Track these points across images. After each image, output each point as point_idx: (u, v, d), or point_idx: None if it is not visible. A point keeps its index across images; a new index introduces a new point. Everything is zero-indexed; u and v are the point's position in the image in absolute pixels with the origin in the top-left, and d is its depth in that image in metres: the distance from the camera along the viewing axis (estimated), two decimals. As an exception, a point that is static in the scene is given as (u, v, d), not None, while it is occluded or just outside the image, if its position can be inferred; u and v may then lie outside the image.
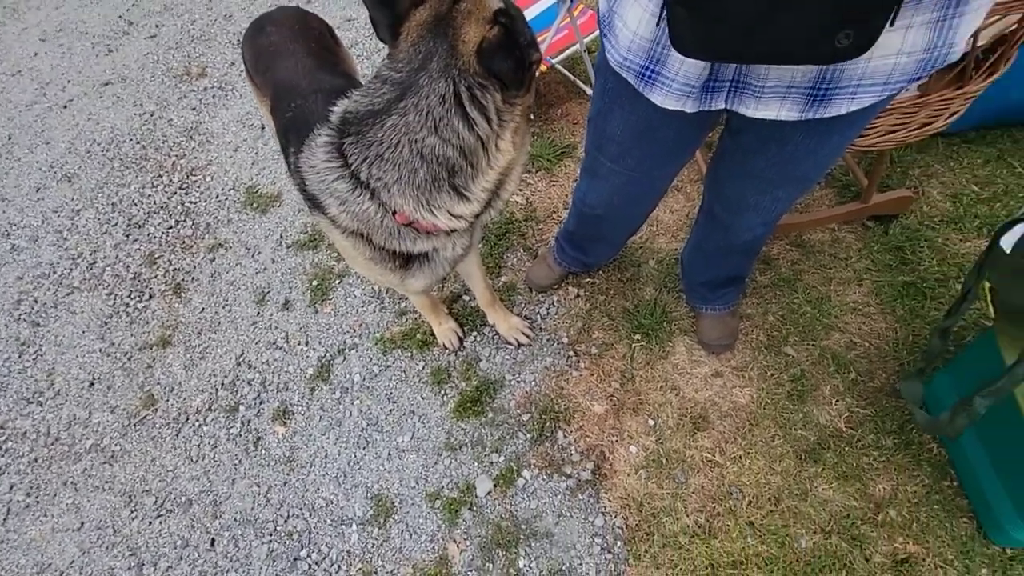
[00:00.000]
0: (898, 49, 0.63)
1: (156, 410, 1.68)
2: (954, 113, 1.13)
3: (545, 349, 1.59)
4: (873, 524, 1.20)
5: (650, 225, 1.73)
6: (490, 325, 1.64)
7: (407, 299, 1.75)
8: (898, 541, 1.18)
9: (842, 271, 1.55)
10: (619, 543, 1.28)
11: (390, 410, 1.56)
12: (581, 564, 1.27)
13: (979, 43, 0.97)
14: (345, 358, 1.68)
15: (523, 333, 1.59)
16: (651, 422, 1.42)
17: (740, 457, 1.33)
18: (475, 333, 1.65)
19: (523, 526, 1.33)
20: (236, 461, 1.55)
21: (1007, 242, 0.74)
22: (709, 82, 0.74)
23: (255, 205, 2.10)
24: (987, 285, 0.86)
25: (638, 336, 1.55)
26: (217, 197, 2.16)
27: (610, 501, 1.34)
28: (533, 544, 1.31)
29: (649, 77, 0.78)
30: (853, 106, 0.70)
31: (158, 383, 1.74)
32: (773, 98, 0.72)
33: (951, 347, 1.34)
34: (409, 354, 1.64)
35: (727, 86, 0.74)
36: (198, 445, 1.60)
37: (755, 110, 0.75)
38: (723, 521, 1.27)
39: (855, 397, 1.36)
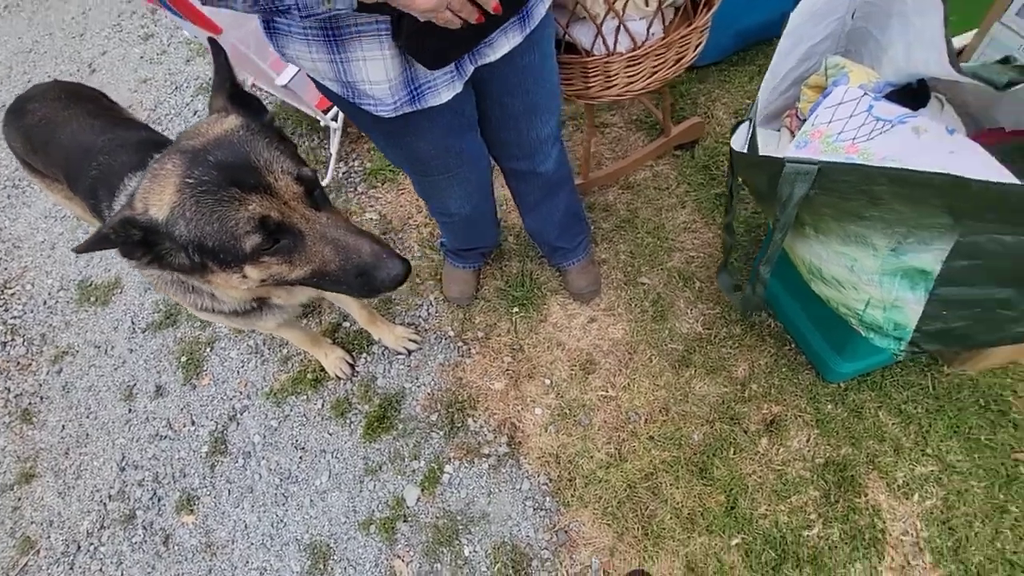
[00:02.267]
0: None
1: (38, 552, 1.50)
2: (698, 45, 1.33)
3: (435, 348, 1.63)
4: (743, 401, 1.40)
5: (499, 205, 1.83)
6: (377, 342, 1.65)
7: (288, 344, 1.71)
8: (764, 408, 1.38)
9: (668, 199, 1.75)
10: (548, 498, 1.37)
11: (300, 457, 1.52)
12: (520, 529, 1.34)
13: (694, -16, 1.16)
14: (239, 423, 1.61)
15: (410, 340, 1.62)
16: (547, 381, 1.52)
17: (628, 385, 1.48)
18: (364, 354, 1.65)
19: (459, 517, 1.38)
20: (149, 569, 1.43)
21: (736, 143, 0.91)
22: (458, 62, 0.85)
23: (93, 299, 1.92)
24: (739, 179, 1.04)
25: (516, 309, 1.65)
26: (45, 303, 1.95)
27: (530, 464, 1.42)
28: (473, 530, 1.36)
29: (419, 94, 0.87)
30: (548, 3, 0.90)
31: (32, 522, 1.55)
32: (499, 37, 0.87)
33: (741, 237, 1.57)
34: (304, 396, 1.61)
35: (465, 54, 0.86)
36: (100, 569, 1.45)
37: (495, 54, 0.88)
38: (629, 444, 1.40)
39: (704, 302, 1.56)
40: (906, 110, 0.91)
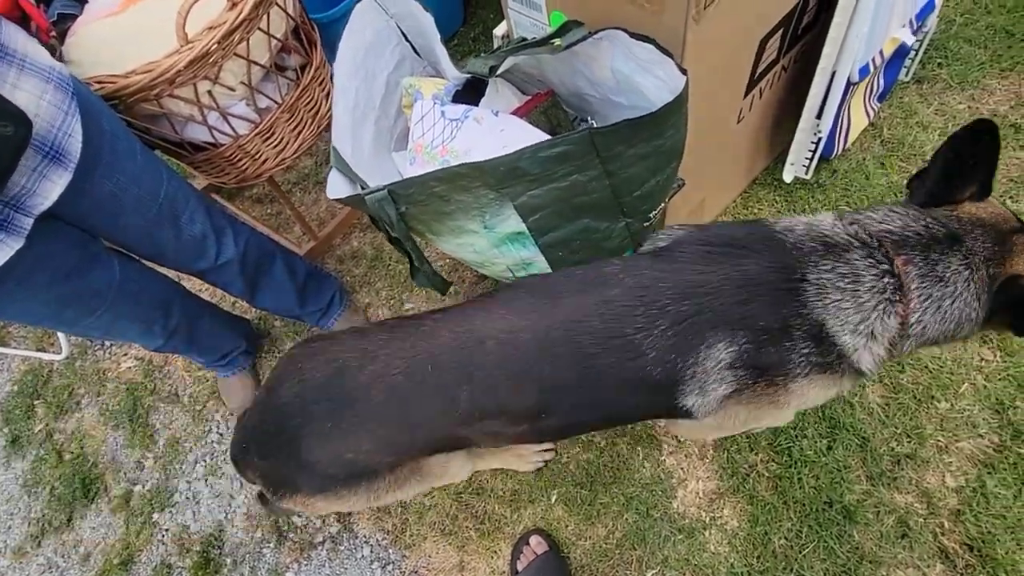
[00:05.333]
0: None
1: None
2: (328, 94, 1.41)
3: (238, 464, 1.57)
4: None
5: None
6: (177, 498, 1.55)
7: (83, 542, 1.54)
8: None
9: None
10: (390, 550, 1.39)
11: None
12: (376, 594, 1.35)
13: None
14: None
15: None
16: (355, 441, 1.54)
17: (425, 407, 1.54)
18: (168, 508, 1.54)
19: (316, 615, 1.35)
20: None
21: (333, 191, 0.99)
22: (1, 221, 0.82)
23: None
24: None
25: (303, 388, 1.64)
26: None
27: (364, 528, 1.43)
28: (333, 619, 1.34)
29: None
30: (78, 136, 0.88)
31: None
32: (40, 183, 0.85)
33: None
34: (119, 585, 1.47)
35: (10, 209, 0.83)
36: None
37: (47, 200, 0.86)
38: (444, 461, 1.46)
39: (462, 298, 1.67)
40: (467, 106, 1.05)
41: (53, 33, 1.04)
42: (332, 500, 0.86)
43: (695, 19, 0.83)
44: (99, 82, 0.99)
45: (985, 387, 1.27)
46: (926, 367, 1.32)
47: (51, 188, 0.86)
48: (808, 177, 1.50)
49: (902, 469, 1.24)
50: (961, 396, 1.28)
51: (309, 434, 0.79)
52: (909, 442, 1.26)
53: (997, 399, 1.26)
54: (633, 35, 0.82)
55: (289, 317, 1.61)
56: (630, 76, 0.90)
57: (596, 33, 0.86)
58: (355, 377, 0.79)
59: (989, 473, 1.20)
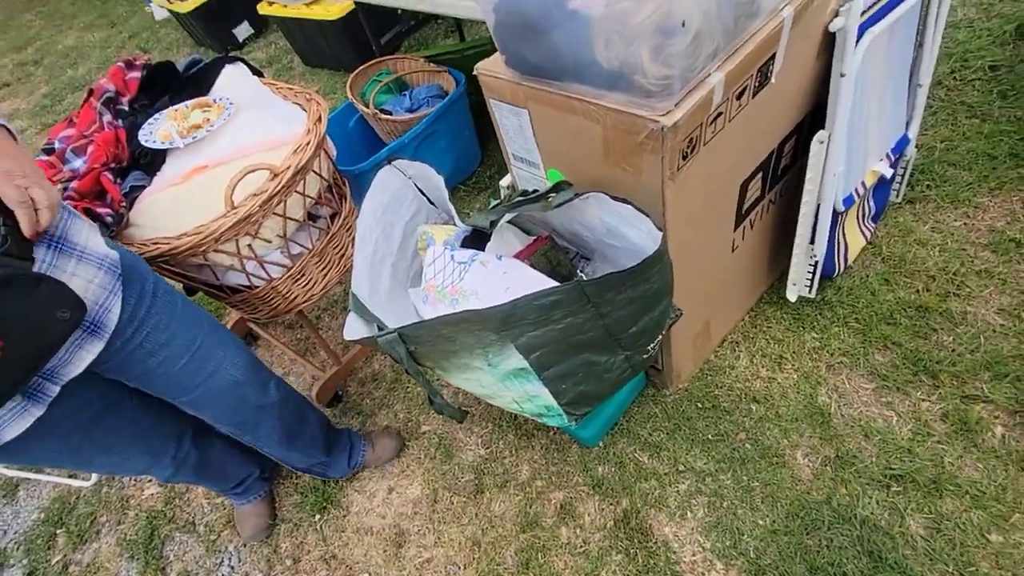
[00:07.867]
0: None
1: None
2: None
3: (247, 602, 1.52)
4: (534, 500, 1.48)
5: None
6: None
7: None
8: (552, 497, 1.48)
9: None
10: None
11: None
12: None
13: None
14: None
15: None
16: (366, 576, 1.49)
17: (439, 538, 1.49)
18: (171, 654, 1.47)
19: None
20: None
21: (350, 332, 1.08)
22: (28, 391, 0.87)
23: None
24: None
25: (318, 516, 1.62)
26: None
27: None
28: None
29: None
30: (116, 309, 0.94)
31: None
32: (75, 352, 0.90)
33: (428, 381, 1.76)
34: None
35: (41, 378, 0.88)
36: None
37: (77, 368, 0.90)
38: (457, 600, 1.39)
39: (477, 424, 1.68)
40: (473, 251, 1.16)
41: (124, 203, 1.22)
42: None
43: (671, 179, 0.93)
44: (155, 243, 1.15)
45: (1037, 519, 1.18)
46: (967, 493, 1.23)
47: (84, 357, 0.91)
48: (812, 295, 1.53)
49: (959, 617, 1.12)
50: (1014, 528, 1.19)
51: None
52: (962, 583, 1.15)
53: (1054, 533, 1.15)
54: (613, 197, 0.93)
55: (317, 469, 1.56)
56: (617, 227, 0.99)
57: (582, 194, 0.97)
58: None
59: (1060, 624, 1.07)
